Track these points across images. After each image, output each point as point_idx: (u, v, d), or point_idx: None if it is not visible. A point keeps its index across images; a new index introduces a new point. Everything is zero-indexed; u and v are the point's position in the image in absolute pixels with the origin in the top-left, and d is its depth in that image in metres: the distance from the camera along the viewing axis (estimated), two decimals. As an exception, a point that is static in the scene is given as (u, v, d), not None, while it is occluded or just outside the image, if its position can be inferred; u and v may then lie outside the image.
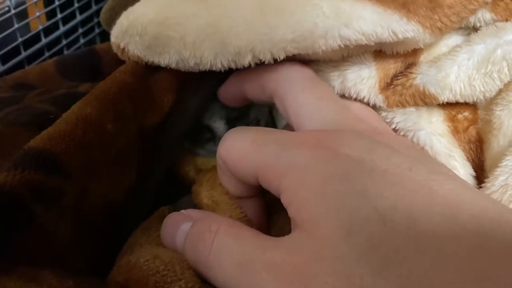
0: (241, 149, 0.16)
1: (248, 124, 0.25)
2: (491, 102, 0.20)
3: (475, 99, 0.20)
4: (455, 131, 0.21)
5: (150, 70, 0.21)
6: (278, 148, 0.15)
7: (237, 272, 0.13)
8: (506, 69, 0.19)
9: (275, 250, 0.13)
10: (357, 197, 0.12)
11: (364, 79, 0.22)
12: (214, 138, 0.25)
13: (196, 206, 0.18)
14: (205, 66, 0.20)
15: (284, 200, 0.14)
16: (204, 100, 0.22)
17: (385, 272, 0.11)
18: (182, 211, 0.16)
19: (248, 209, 0.18)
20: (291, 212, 0.14)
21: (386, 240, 0.11)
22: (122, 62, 0.22)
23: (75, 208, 0.16)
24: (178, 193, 0.20)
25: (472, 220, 0.11)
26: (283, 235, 0.19)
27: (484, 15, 0.20)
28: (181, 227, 0.15)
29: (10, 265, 0.14)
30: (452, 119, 0.21)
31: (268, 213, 0.19)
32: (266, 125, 0.26)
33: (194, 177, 0.23)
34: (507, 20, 0.20)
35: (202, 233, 0.14)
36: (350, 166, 0.13)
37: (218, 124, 0.24)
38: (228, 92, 0.22)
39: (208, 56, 0.20)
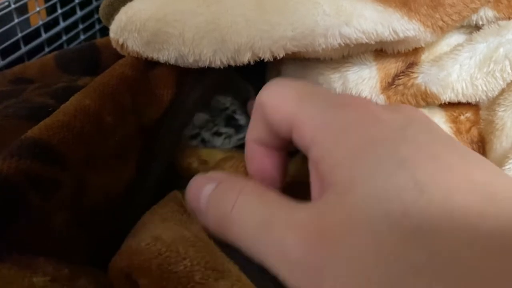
0: (283, 98, 0.16)
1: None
2: (493, 102, 0.21)
3: (477, 99, 0.21)
4: (458, 132, 0.22)
5: (149, 64, 0.22)
6: (321, 103, 0.15)
7: (259, 230, 0.13)
8: (508, 68, 0.20)
9: (302, 211, 0.13)
10: (397, 163, 0.13)
11: (365, 79, 0.22)
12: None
13: None
14: (204, 63, 0.21)
15: (314, 155, 0.14)
16: (203, 96, 0.23)
17: (417, 242, 0.11)
18: (208, 173, 0.17)
19: (270, 160, 0.18)
20: (321, 169, 0.14)
21: (420, 210, 0.12)
22: (122, 56, 0.23)
23: (73, 200, 0.17)
24: (178, 187, 0.21)
25: (508, 201, 0.12)
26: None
27: (487, 13, 0.21)
28: (206, 187, 0.16)
29: (5, 253, 0.15)
30: (454, 121, 0.22)
31: None
32: None
33: (198, 168, 0.23)
34: (509, 18, 0.21)
35: (226, 191, 0.15)
36: (393, 133, 0.14)
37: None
38: (248, 155, 0.20)
39: (207, 53, 0.21)
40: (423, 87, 0.21)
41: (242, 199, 0.14)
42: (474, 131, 0.21)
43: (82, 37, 0.46)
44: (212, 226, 0.15)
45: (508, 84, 0.20)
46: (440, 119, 0.22)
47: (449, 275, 0.11)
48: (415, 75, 0.21)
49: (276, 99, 0.16)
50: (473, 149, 0.21)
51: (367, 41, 0.20)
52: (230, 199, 0.14)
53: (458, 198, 0.12)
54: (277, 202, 0.14)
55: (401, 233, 0.12)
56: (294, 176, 0.24)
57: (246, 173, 0.21)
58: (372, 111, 0.15)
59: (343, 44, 0.20)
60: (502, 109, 0.20)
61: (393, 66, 0.22)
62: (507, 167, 0.19)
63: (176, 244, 0.15)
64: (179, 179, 0.24)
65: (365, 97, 0.20)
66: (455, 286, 0.11)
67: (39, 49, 0.40)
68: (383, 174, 0.12)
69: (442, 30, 0.20)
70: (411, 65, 0.22)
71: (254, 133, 0.18)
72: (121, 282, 0.16)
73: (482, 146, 0.21)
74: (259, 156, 0.18)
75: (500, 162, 0.19)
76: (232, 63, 0.21)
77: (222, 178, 0.16)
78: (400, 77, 0.22)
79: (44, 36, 0.41)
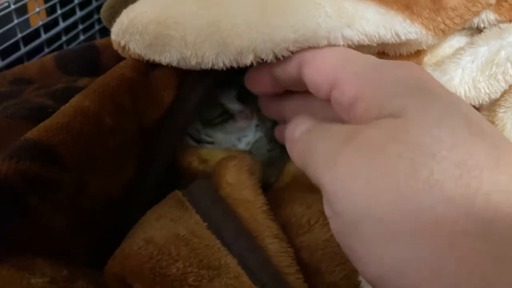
0: (328, 59, 0.18)
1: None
2: (494, 103, 0.21)
3: (480, 102, 0.21)
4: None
5: (150, 65, 0.22)
6: (365, 64, 0.17)
7: (323, 155, 0.15)
8: (510, 70, 0.20)
9: (360, 127, 0.14)
10: (447, 102, 0.14)
11: (367, 81, 0.22)
12: (233, 116, 0.26)
13: (213, 186, 0.20)
14: (207, 65, 0.21)
15: (360, 109, 0.15)
16: (204, 97, 0.23)
17: (460, 174, 0.12)
18: (305, 116, 0.19)
19: (270, 90, 0.22)
20: (368, 117, 0.15)
21: (472, 148, 0.12)
22: (122, 57, 0.23)
23: (73, 200, 0.17)
24: (178, 187, 0.21)
25: None
26: (290, 225, 0.20)
27: (488, 16, 0.21)
28: (303, 125, 0.18)
29: (4, 253, 0.15)
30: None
31: (275, 206, 0.21)
32: None
33: (198, 166, 0.24)
34: (511, 21, 0.21)
35: (316, 128, 0.18)
36: (443, 93, 0.15)
37: (231, 101, 0.26)
38: (255, 76, 0.23)
39: (209, 56, 0.21)
40: (425, 90, 0.21)
41: (319, 131, 0.17)
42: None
43: (81, 37, 0.46)
44: (296, 154, 0.17)
45: (510, 86, 0.20)
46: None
47: (478, 212, 0.11)
48: (417, 78, 0.22)
49: (320, 60, 0.18)
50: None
51: (369, 43, 0.20)
52: (315, 136, 0.17)
53: (502, 152, 0.12)
54: (338, 133, 0.15)
55: (445, 162, 0.12)
56: (295, 176, 0.24)
57: (249, 173, 0.21)
58: (421, 72, 0.16)
59: (345, 45, 0.20)
60: (503, 110, 0.20)
61: (395, 68, 0.22)
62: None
63: (169, 245, 0.15)
64: (179, 179, 0.24)
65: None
66: (483, 223, 0.11)
67: (38, 49, 0.41)
68: (437, 108, 0.13)
69: (444, 33, 0.20)
70: (413, 68, 0.22)
71: (277, 69, 0.21)
72: (116, 286, 0.16)
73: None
74: (266, 82, 0.21)
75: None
76: (235, 65, 0.21)
77: (316, 122, 0.18)
78: (402, 80, 0.22)
79: (43, 36, 0.41)
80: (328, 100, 0.17)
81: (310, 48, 0.19)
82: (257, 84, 0.23)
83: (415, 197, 0.12)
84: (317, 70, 0.18)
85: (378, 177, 0.12)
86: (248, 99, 0.26)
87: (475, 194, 0.11)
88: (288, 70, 0.20)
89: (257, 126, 0.27)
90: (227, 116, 0.26)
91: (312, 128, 0.17)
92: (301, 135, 0.18)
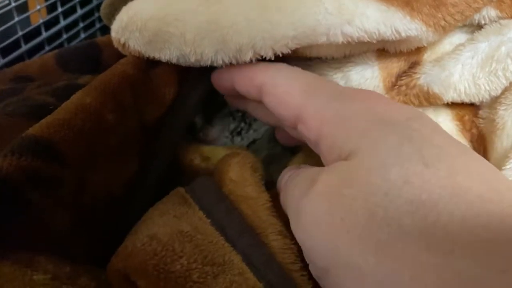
0: (289, 89, 0.18)
1: (231, 115, 0.26)
2: (495, 101, 0.21)
3: (480, 99, 0.21)
4: (464, 130, 0.22)
5: (151, 63, 0.22)
6: (327, 96, 0.17)
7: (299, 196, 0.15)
8: (511, 67, 0.20)
9: (321, 171, 0.15)
10: (403, 139, 0.13)
11: (367, 79, 0.22)
12: (192, 132, 0.26)
13: (215, 183, 0.20)
14: (206, 62, 0.21)
15: (324, 148, 0.15)
16: (204, 94, 0.23)
17: (413, 210, 0.12)
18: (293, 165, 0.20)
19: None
20: (331, 159, 0.15)
21: (423, 181, 0.12)
22: (123, 55, 0.23)
23: (74, 197, 0.17)
24: (180, 185, 0.21)
25: (509, 193, 0.12)
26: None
27: (489, 12, 0.21)
28: (288, 173, 0.19)
29: (5, 251, 0.15)
30: (461, 119, 0.22)
31: (279, 203, 0.21)
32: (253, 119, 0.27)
33: (200, 164, 0.24)
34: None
35: (297, 177, 0.17)
36: (400, 120, 0.15)
37: (198, 119, 0.26)
38: (219, 79, 0.23)
39: (208, 53, 0.21)
40: (425, 88, 0.21)
41: (292, 178, 0.17)
42: (475, 131, 0.21)
43: (82, 35, 0.46)
44: (281, 203, 0.18)
45: (510, 83, 0.20)
46: (446, 117, 0.22)
47: (438, 243, 0.11)
48: (417, 75, 0.22)
49: (283, 91, 0.18)
50: (473, 148, 0.21)
51: (369, 40, 0.20)
52: (288, 183, 0.17)
53: (460, 179, 0.12)
54: (303, 180, 0.16)
55: (399, 199, 0.12)
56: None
57: (252, 170, 0.21)
58: (379, 101, 0.16)
59: (345, 42, 0.20)
60: (503, 107, 0.20)
61: (395, 65, 0.22)
62: (507, 166, 0.19)
63: (173, 241, 0.15)
64: (180, 177, 0.24)
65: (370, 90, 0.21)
66: (443, 254, 0.11)
67: (39, 47, 0.41)
68: (388, 146, 0.13)
69: (444, 30, 0.20)
70: (414, 65, 0.22)
71: (239, 88, 0.20)
72: (120, 283, 0.16)
73: (483, 145, 0.21)
74: (230, 90, 0.21)
75: (501, 162, 0.19)
76: (234, 62, 0.21)
77: (298, 170, 0.19)
78: (403, 78, 0.22)
79: (44, 34, 0.41)
80: (295, 128, 0.17)
81: (270, 68, 0.19)
82: (221, 88, 0.23)
83: (375, 236, 0.12)
84: (280, 102, 0.18)
85: (338, 222, 0.13)
86: (214, 121, 0.26)
87: (433, 227, 0.12)
88: (249, 92, 0.20)
89: (238, 131, 0.27)
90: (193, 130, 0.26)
91: (290, 175, 0.18)
92: (288, 181, 0.18)
